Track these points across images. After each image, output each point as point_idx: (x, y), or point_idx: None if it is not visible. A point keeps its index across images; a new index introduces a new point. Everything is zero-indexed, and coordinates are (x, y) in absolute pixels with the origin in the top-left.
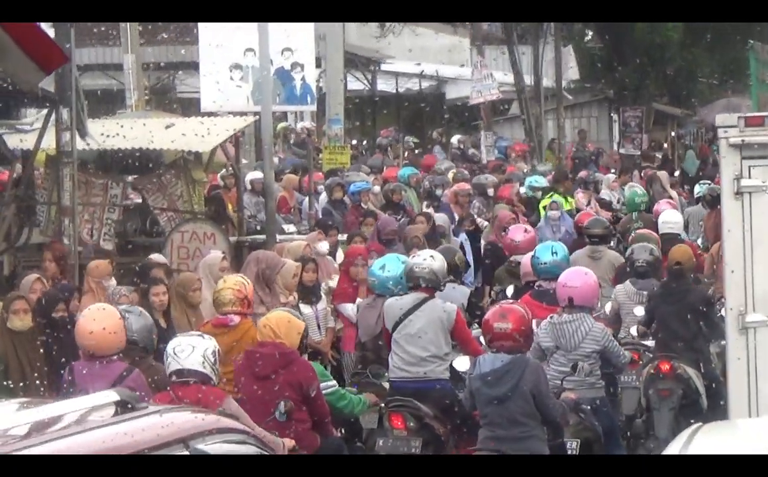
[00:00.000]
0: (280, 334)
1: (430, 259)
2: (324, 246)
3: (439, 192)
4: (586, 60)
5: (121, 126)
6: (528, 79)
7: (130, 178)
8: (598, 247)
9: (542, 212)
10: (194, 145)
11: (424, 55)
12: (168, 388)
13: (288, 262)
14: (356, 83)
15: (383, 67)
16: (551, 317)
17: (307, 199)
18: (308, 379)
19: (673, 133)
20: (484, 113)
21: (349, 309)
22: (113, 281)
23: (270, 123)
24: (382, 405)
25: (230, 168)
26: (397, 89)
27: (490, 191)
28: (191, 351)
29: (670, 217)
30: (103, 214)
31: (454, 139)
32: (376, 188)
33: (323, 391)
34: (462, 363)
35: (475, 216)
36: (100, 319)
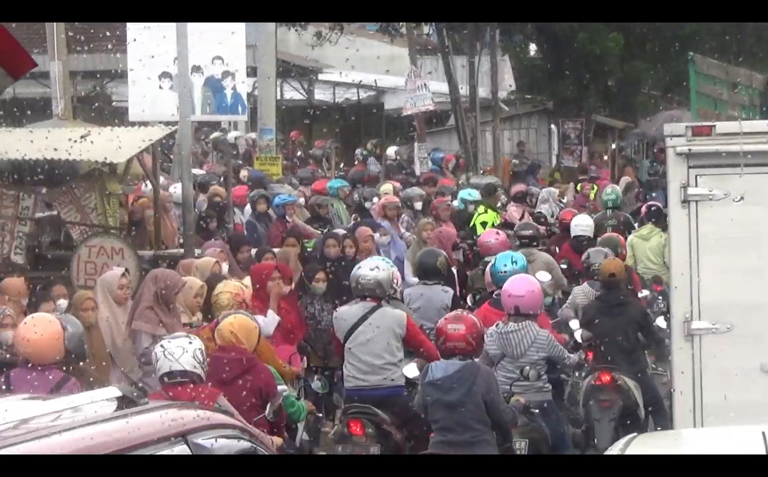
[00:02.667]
0: (243, 339)
1: (375, 271)
2: (224, 268)
3: (368, 205)
4: (525, 70)
5: (31, 135)
6: (465, 90)
7: (43, 190)
8: (531, 249)
9: (479, 227)
10: (108, 155)
11: (363, 65)
12: (160, 388)
13: (189, 281)
14: (293, 92)
15: (321, 76)
16: (497, 325)
17: (236, 211)
18: (270, 385)
19: (613, 146)
20: (418, 124)
21: (261, 321)
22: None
23: (188, 132)
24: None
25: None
26: (335, 99)
27: (418, 204)
28: (182, 352)
29: (581, 221)
30: (15, 226)
31: (390, 151)
32: (301, 200)
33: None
34: (411, 370)
35: (403, 230)
36: (40, 327)
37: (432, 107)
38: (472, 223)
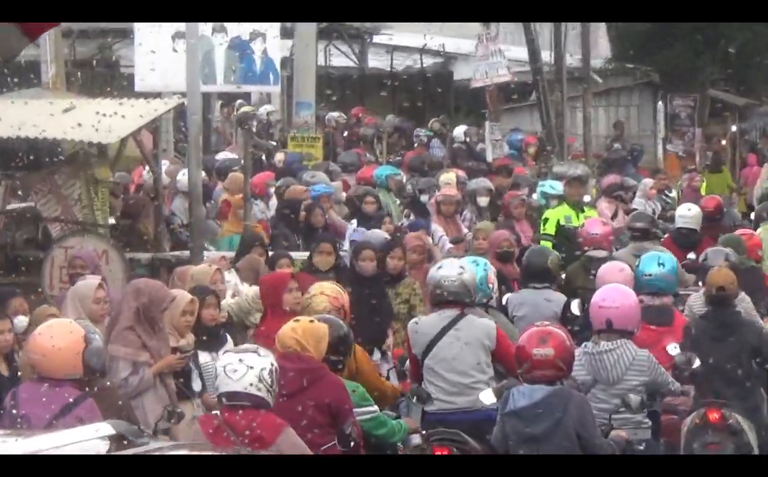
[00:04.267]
0: (309, 346)
1: (460, 272)
2: (229, 277)
3: (425, 198)
4: (625, 35)
5: (4, 106)
6: (549, 57)
7: (17, 176)
8: (642, 244)
9: (548, 227)
10: (97, 135)
11: (428, 26)
12: (218, 411)
13: (179, 296)
14: (341, 58)
15: (376, 39)
16: (585, 345)
17: (259, 203)
18: (341, 401)
19: (734, 128)
20: (491, 99)
21: None
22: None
23: (198, 106)
24: (422, 434)
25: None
26: (391, 67)
27: (483, 200)
28: (245, 371)
29: (687, 211)
30: None
31: (458, 131)
32: (342, 194)
33: (361, 417)
34: (487, 396)
35: (464, 231)
36: (59, 338)
37: (508, 78)
38: (543, 217)
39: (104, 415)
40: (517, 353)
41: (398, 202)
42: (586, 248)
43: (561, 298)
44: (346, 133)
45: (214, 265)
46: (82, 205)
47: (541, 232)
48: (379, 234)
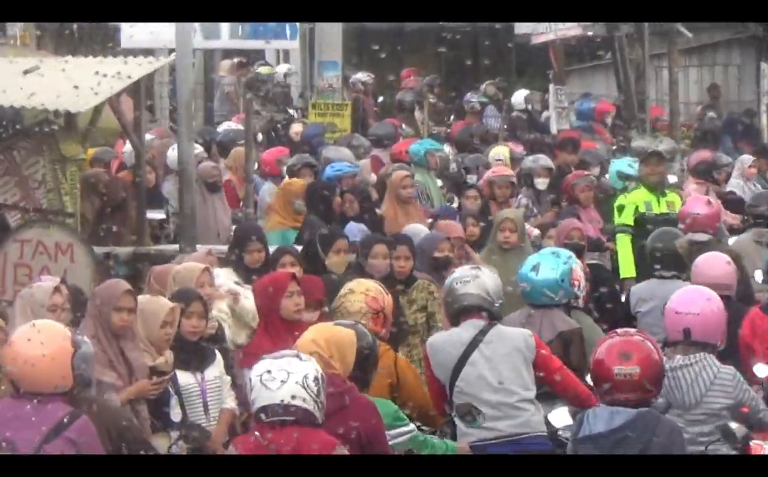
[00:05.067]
0: (333, 359)
1: (476, 274)
2: (220, 279)
3: (471, 179)
4: None
5: None
6: None
7: None
8: (763, 231)
9: (625, 216)
10: (65, 101)
11: None
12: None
13: (156, 303)
14: None
15: None
16: None
17: (267, 185)
18: (369, 426)
19: None
20: (555, 58)
21: None
22: None
23: (188, 65)
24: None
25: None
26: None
27: (541, 181)
28: (285, 379)
29: None
30: None
31: (518, 97)
32: (371, 175)
33: (395, 440)
34: (560, 417)
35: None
36: (48, 343)
37: (577, 32)
38: (616, 205)
39: (100, 436)
40: (595, 368)
41: (440, 183)
42: (686, 231)
43: None
44: (380, 99)
45: (200, 262)
46: (47, 187)
47: (616, 222)
48: (414, 228)
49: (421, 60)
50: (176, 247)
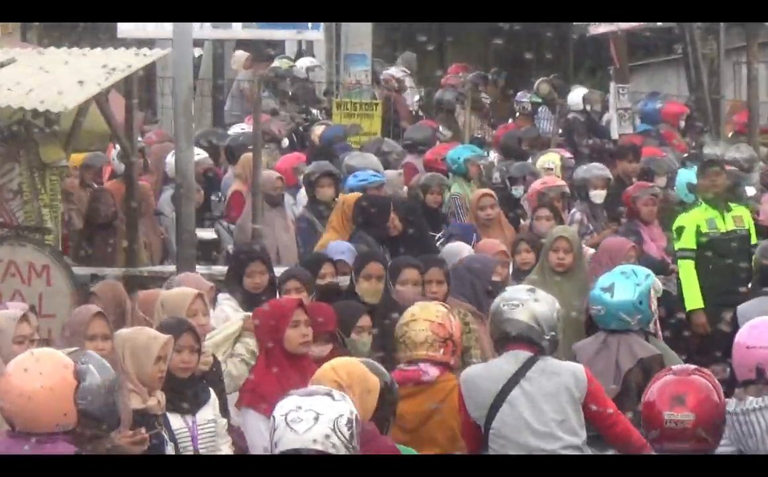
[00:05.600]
0: (355, 396)
1: (527, 296)
2: (226, 310)
3: (518, 192)
4: None
5: None
6: None
7: None
8: None
9: (685, 239)
10: (44, 100)
11: None
12: None
13: (148, 335)
14: None
15: None
16: (728, 403)
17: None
18: None
19: None
20: (616, 52)
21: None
22: None
23: (187, 60)
24: None
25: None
26: None
27: (596, 194)
28: (314, 420)
29: None
30: None
31: (575, 96)
32: (272, 172)
33: None
34: None
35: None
36: (48, 374)
37: (640, 23)
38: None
39: None
40: (645, 412)
41: None
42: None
43: None
44: (417, 98)
45: (193, 288)
46: (23, 199)
47: (676, 247)
48: (455, 247)
49: (466, 54)
50: (173, 268)
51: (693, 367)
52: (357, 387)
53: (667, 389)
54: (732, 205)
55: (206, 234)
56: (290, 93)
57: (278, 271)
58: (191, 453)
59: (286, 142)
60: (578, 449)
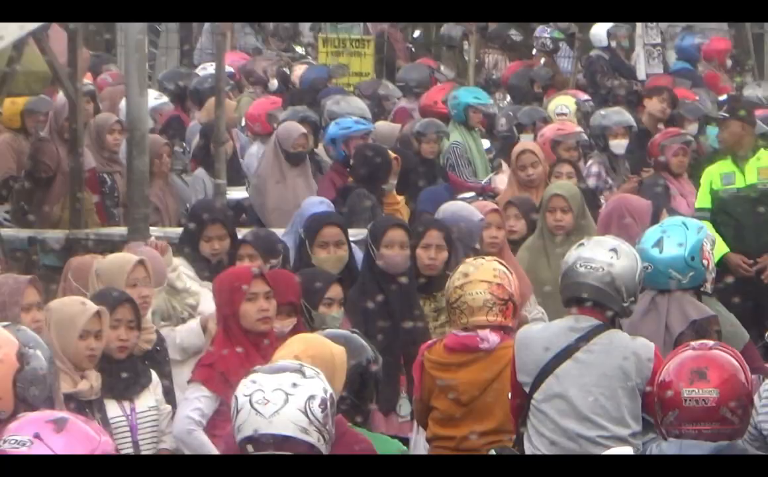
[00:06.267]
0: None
1: (610, 255)
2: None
3: (528, 138)
4: None
5: None
6: None
7: None
8: None
9: (701, 195)
10: None
11: None
12: None
13: (73, 306)
14: None
15: None
16: None
17: (254, 146)
18: None
19: None
20: None
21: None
22: None
23: None
24: None
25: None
26: None
27: (617, 144)
28: (283, 402)
29: None
30: None
31: (599, 32)
32: (295, 126)
33: None
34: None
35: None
36: None
37: None
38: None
39: None
40: (659, 393)
41: (487, 145)
42: None
43: None
44: (417, 34)
45: (134, 253)
46: None
47: (696, 204)
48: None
49: None
50: (124, 230)
51: (714, 342)
52: (324, 369)
53: (686, 365)
54: (766, 153)
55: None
56: (271, 28)
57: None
58: (129, 445)
59: (274, 83)
60: (622, 441)
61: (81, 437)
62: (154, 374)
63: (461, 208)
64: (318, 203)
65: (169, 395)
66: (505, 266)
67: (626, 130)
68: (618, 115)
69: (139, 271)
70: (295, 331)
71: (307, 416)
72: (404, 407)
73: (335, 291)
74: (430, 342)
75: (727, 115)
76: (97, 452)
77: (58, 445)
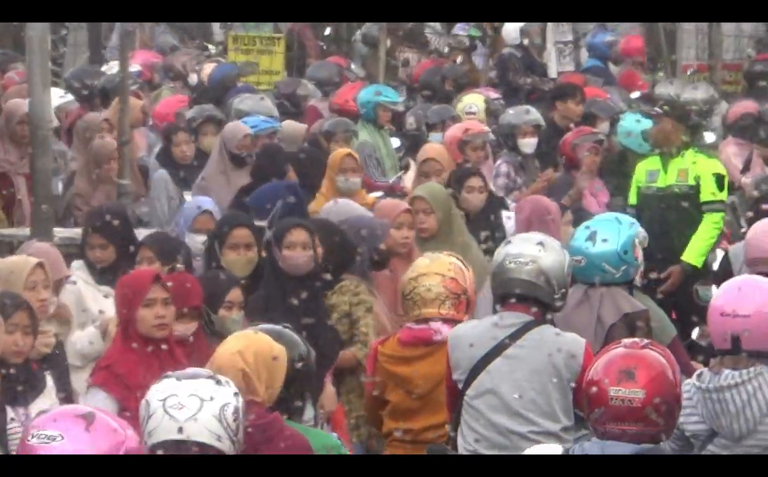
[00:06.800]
0: (259, 382)
1: (539, 250)
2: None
3: (436, 139)
4: None
5: None
6: None
7: None
8: None
9: (633, 189)
10: None
11: None
12: None
13: None
14: None
15: None
16: (699, 375)
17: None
18: None
19: None
20: None
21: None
22: None
23: None
24: None
25: None
26: None
27: (526, 143)
28: (198, 407)
29: None
30: None
31: (511, 30)
32: (240, 127)
33: None
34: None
35: (499, 194)
36: None
37: None
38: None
39: None
40: (587, 390)
41: (397, 143)
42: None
43: None
44: (328, 31)
45: (31, 258)
46: None
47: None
48: (347, 207)
49: None
50: (26, 231)
51: (646, 340)
52: (263, 369)
53: (614, 363)
54: (691, 153)
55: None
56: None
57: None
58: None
59: (194, 78)
60: (553, 436)
61: (108, 432)
62: (49, 379)
63: (355, 210)
64: (196, 208)
65: (68, 401)
66: (461, 261)
67: (535, 129)
68: (526, 113)
69: (37, 274)
70: (197, 334)
71: (221, 424)
72: (308, 412)
73: (235, 294)
74: (382, 337)
75: (660, 110)
76: (124, 447)
77: (85, 440)
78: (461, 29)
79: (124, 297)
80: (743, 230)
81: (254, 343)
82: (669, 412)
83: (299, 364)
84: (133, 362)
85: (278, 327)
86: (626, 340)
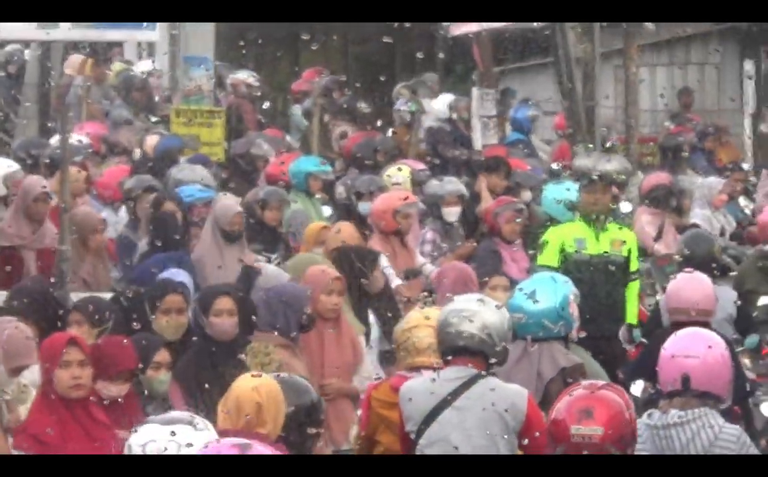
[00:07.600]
0: (268, 418)
1: (479, 307)
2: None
3: (365, 208)
4: None
5: None
6: None
7: None
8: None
9: (547, 254)
10: None
11: None
12: None
13: None
14: None
15: None
16: (649, 415)
17: (105, 213)
18: None
19: None
20: (480, 55)
21: None
22: None
23: None
24: None
25: None
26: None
27: (450, 211)
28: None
29: None
30: None
31: (440, 103)
32: (231, 204)
33: None
34: None
35: (422, 260)
36: None
37: (505, 24)
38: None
39: None
40: (552, 428)
41: (329, 211)
42: (763, 240)
43: (732, 294)
44: (267, 105)
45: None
46: None
47: (538, 262)
48: (275, 276)
49: (324, 57)
50: None
51: (603, 382)
52: (272, 406)
53: (575, 403)
54: (614, 226)
55: None
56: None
57: None
58: None
59: (137, 152)
60: None
61: None
62: None
63: (279, 275)
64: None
65: None
66: None
67: (458, 199)
68: (450, 184)
69: None
70: (128, 395)
71: None
72: None
73: (162, 356)
74: (376, 382)
75: (594, 178)
76: None
77: None
78: (402, 104)
79: (43, 359)
80: (658, 296)
81: (267, 384)
82: (626, 446)
83: (306, 410)
84: (51, 422)
85: (295, 377)
86: (585, 382)
